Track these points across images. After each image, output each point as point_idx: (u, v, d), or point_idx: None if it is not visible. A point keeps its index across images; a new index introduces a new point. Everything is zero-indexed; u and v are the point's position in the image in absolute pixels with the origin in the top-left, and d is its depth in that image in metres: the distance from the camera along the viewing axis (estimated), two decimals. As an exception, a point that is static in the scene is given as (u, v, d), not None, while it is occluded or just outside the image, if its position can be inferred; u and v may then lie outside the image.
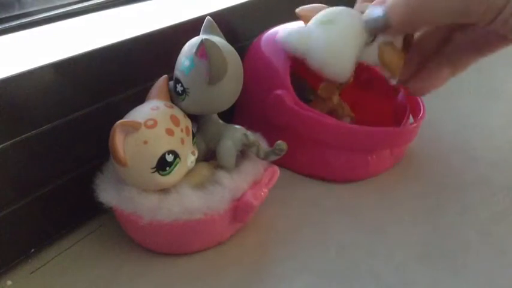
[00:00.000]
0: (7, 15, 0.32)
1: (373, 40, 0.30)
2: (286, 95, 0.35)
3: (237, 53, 0.29)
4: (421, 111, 0.37)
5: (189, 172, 0.29)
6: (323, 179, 0.36)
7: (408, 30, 0.30)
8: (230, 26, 0.40)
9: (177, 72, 0.29)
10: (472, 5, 0.25)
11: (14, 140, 0.27)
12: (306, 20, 0.32)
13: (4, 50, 0.30)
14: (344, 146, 0.35)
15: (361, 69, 0.37)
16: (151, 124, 0.26)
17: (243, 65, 0.38)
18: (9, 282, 0.28)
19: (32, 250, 0.29)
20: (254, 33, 0.41)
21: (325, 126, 0.34)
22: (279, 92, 0.35)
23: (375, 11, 0.29)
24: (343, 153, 0.36)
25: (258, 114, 0.37)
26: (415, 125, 0.36)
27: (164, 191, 0.28)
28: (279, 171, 0.31)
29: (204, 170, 0.30)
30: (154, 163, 0.26)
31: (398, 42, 0.31)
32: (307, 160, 0.37)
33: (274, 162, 0.32)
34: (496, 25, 0.25)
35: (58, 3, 0.35)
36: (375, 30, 0.30)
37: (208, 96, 0.28)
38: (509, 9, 0.25)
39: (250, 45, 0.40)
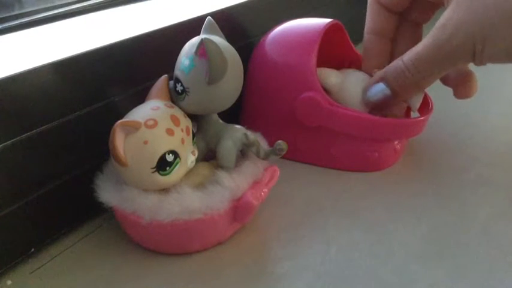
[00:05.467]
0: (7, 15, 0.33)
1: None
2: (320, 96, 0.35)
3: (237, 53, 0.29)
4: (430, 104, 0.38)
5: (189, 172, 0.29)
6: (359, 170, 0.37)
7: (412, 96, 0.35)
8: (232, 24, 0.40)
9: (177, 72, 0.29)
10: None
11: (14, 140, 0.27)
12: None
13: (4, 50, 0.30)
14: (377, 137, 0.36)
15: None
16: (152, 124, 0.26)
17: (249, 65, 0.39)
18: (9, 282, 0.28)
19: (32, 250, 0.29)
20: (258, 32, 0.41)
21: (361, 120, 0.35)
22: (311, 94, 0.35)
23: (380, 88, 0.34)
24: (376, 144, 0.37)
25: (279, 117, 0.38)
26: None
27: (164, 191, 0.28)
28: (279, 171, 0.31)
29: (204, 170, 0.30)
30: (154, 163, 0.26)
31: None
32: (342, 155, 0.37)
33: (311, 160, 0.37)
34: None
35: (58, 3, 0.35)
36: (380, 103, 0.35)
37: (208, 96, 0.28)
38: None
39: (255, 43, 0.40)
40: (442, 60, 0.30)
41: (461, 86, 0.35)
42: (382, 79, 0.34)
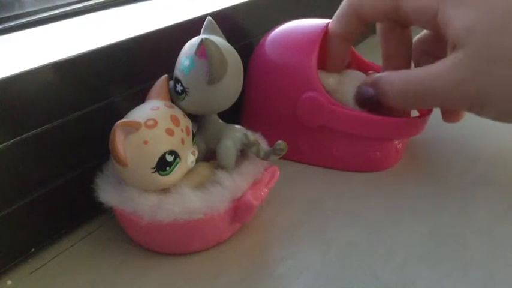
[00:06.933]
0: (7, 15, 0.33)
1: None
2: (321, 96, 0.35)
3: (237, 53, 0.29)
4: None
5: (189, 172, 0.29)
6: (361, 171, 0.37)
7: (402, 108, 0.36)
8: (232, 24, 0.40)
9: (177, 72, 0.29)
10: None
11: (14, 139, 0.27)
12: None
13: (4, 50, 0.30)
14: (379, 136, 0.36)
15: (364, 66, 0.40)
16: (152, 124, 0.26)
17: (249, 65, 0.39)
18: (9, 282, 0.28)
19: (32, 250, 0.29)
20: (257, 32, 0.41)
21: (363, 120, 0.35)
22: (312, 94, 0.35)
23: (369, 92, 0.34)
24: (377, 144, 0.37)
25: (279, 117, 0.38)
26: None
27: (164, 191, 0.28)
28: (279, 172, 0.31)
29: (204, 170, 0.30)
30: (154, 163, 0.26)
31: None
32: (344, 155, 0.37)
33: (313, 160, 0.37)
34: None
35: (58, 3, 0.35)
36: (367, 105, 0.35)
37: (208, 96, 0.28)
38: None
39: (255, 43, 0.40)
40: (431, 100, 0.31)
41: (449, 112, 0.36)
42: (373, 85, 0.34)
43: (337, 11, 0.35)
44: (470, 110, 0.30)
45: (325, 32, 0.36)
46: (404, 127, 0.36)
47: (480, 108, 0.29)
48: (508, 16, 0.27)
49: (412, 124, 0.36)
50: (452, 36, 0.28)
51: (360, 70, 0.39)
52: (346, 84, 0.37)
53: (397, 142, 0.37)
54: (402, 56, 0.37)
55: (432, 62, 0.34)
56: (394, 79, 0.32)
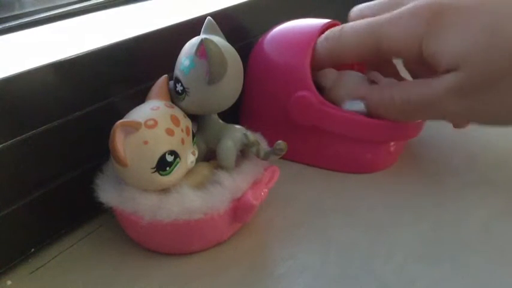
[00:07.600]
0: (7, 15, 0.33)
1: None
2: (312, 96, 0.35)
3: (237, 53, 0.29)
4: None
5: (189, 172, 0.29)
6: (349, 172, 0.37)
7: None
8: (232, 24, 0.40)
9: (177, 72, 0.29)
10: None
11: (14, 139, 0.27)
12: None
13: (4, 50, 0.30)
14: (371, 138, 0.36)
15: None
16: (152, 124, 0.26)
17: (248, 64, 0.39)
18: (9, 282, 0.28)
19: (32, 250, 0.29)
20: (257, 32, 0.41)
21: (353, 121, 0.35)
22: (303, 93, 0.35)
23: (356, 105, 0.35)
24: (368, 146, 0.36)
25: (274, 116, 0.38)
26: None
27: (164, 191, 0.28)
28: (279, 171, 0.31)
29: (204, 170, 0.30)
30: (154, 163, 0.26)
31: None
32: (335, 156, 0.37)
33: (307, 160, 0.38)
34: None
35: (58, 3, 0.35)
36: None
37: (208, 96, 0.28)
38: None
39: (255, 43, 0.40)
40: (431, 116, 0.32)
41: None
42: (363, 99, 0.34)
43: (328, 33, 0.35)
44: (469, 122, 0.32)
45: (323, 32, 0.36)
46: (398, 130, 0.35)
47: (478, 122, 0.31)
48: (490, 33, 0.28)
49: (406, 127, 0.36)
50: (445, 66, 0.30)
51: (361, 70, 0.39)
52: (339, 85, 0.36)
53: (391, 144, 0.37)
54: (387, 68, 0.38)
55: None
56: (393, 93, 0.33)
